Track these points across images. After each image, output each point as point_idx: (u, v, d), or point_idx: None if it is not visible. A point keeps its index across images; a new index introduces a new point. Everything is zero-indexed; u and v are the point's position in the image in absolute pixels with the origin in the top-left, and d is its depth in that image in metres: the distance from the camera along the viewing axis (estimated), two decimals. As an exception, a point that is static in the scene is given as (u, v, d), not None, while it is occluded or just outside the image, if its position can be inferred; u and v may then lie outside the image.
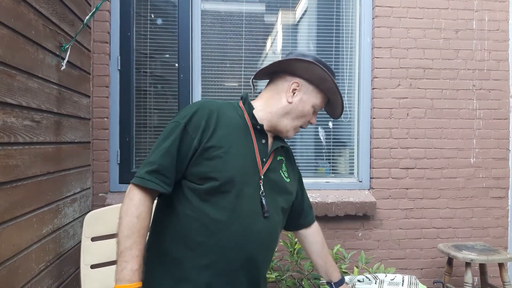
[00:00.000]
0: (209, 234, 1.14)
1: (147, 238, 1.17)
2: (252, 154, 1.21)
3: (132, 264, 1.07)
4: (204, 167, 1.15)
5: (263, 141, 1.25)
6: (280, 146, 1.30)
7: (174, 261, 1.17)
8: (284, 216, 1.33)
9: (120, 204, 1.18)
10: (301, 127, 1.30)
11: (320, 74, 1.24)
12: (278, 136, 1.33)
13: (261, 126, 1.24)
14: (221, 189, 1.14)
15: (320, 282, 2.00)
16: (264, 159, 1.23)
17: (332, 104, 1.35)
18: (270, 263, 1.35)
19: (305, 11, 2.92)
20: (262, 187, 1.19)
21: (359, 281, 1.87)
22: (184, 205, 1.18)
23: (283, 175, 1.30)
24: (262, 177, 1.21)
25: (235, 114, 1.25)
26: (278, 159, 1.30)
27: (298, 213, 1.48)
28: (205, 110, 1.19)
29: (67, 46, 1.97)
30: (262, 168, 1.22)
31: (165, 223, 1.22)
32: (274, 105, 1.28)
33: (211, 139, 1.16)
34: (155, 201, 1.24)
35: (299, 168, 1.52)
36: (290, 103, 1.26)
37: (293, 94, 1.27)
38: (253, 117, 1.25)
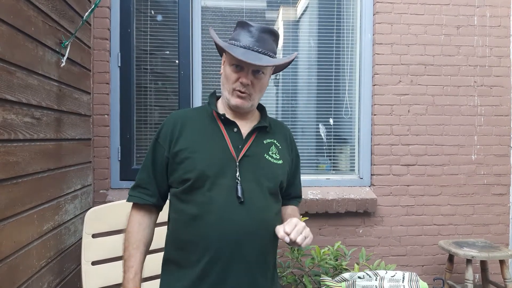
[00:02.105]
0: (190, 230, 1.19)
1: (144, 249, 1.28)
2: (223, 145, 1.24)
3: (128, 274, 1.22)
4: (179, 171, 1.22)
5: (235, 129, 1.28)
6: (261, 127, 1.30)
7: (172, 264, 1.25)
8: (275, 198, 1.30)
9: (121, 201, 1.20)
10: (238, 90, 1.27)
11: (213, 37, 1.34)
12: (262, 120, 1.34)
13: (223, 115, 1.28)
14: (195, 185, 1.20)
15: (321, 278, 2.00)
16: (240, 146, 1.25)
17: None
18: (268, 250, 1.26)
19: (306, 7, 2.91)
20: (238, 174, 1.21)
21: (359, 277, 1.87)
22: (171, 211, 1.28)
23: (269, 158, 1.29)
24: (238, 164, 1.22)
25: (203, 115, 1.32)
26: (265, 142, 1.31)
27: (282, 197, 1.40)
28: (171, 121, 1.30)
29: (67, 42, 1.97)
30: (238, 156, 1.23)
31: (167, 233, 1.31)
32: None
33: (177, 144, 1.24)
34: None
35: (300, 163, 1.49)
36: (221, 74, 1.34)
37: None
38: (215, 107, 1.32)
